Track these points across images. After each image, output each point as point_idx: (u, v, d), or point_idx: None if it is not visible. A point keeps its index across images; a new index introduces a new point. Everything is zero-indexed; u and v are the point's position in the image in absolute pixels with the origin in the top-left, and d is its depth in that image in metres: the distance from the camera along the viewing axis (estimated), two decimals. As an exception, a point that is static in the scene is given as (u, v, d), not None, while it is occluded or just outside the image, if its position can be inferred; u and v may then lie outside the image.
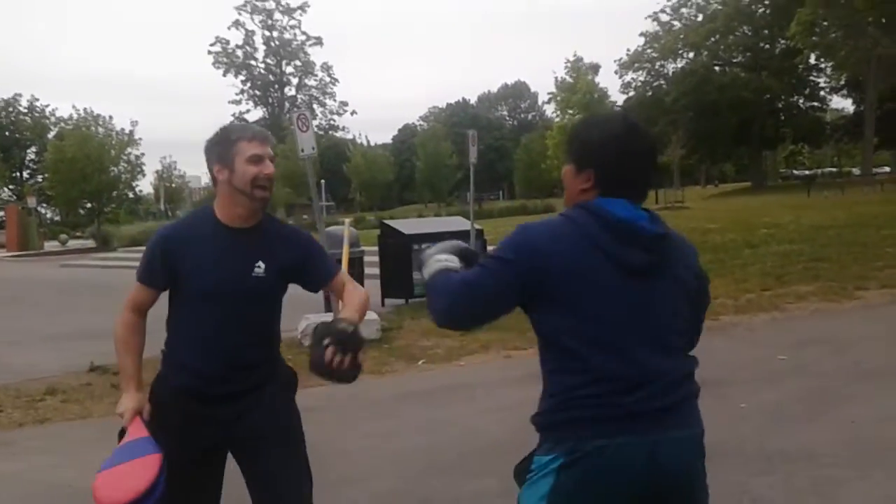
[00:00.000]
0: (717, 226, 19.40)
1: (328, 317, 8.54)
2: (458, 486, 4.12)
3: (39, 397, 6.63)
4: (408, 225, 12.06)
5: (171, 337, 2.49)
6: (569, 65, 25.07)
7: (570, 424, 1.76)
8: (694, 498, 1.84)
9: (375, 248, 11.37)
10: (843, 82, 52.48)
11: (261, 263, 2.41)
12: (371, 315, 8.75)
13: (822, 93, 57.41)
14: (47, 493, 4.40)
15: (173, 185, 51.73)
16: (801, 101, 57.50)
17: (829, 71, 51.18)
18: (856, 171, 59.83)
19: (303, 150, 8.54)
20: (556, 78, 27.08)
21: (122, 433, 2.33)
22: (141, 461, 2.20)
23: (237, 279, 2.39)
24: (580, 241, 1.79)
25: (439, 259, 1.96)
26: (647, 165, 1.94)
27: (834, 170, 72.34)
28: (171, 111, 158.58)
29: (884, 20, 35.56)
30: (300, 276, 2.54)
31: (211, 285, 2.37)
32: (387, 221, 12.18)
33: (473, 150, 10.97)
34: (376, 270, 11.02)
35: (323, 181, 38.20)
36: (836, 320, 8.17)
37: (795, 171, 77.66)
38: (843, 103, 61.54)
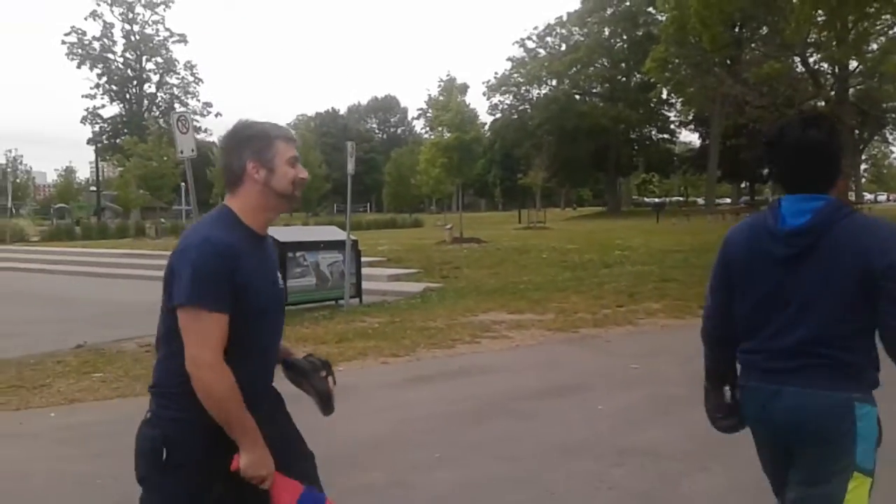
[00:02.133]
0: (575, 246, 20.48)
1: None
2: (349, 480, 4.32)
3: None
4: (283, 233, 12.06)
5: None
6: (441, 84, 25.74)
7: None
8: (807, 452, 2.21)
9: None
10: (691, 117, 56.48)
11: (277, 273, 2.31)
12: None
13: (672, 126, 61.59)
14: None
15: (18, 181, 48.42)
16: (653, 132, 61.38)
17: (679, 106, 54.91)
18: (700, 200, 64.41)
19: (181, 153, 8.52)
20: (429, 95, 27.78)
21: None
22: None
23: (274, 291, 2.24)
24: (750, 233, 2.33)
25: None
26: (797, 159, 2.22)
27: (681, 199, 77.42)
28: (17, 102, 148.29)
29: (729, 62, 38.71)
30: None
31: (264, 299, 2.16)
32: (261, 228, 12.12)
33: (351, 161, 11.17)
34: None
35: (183, 184, 36.89)
36: (681, 334, 8.95)
37: (646, 199, 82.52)
38: (691, 137, 66.24)
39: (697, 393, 6.46)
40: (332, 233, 12.42)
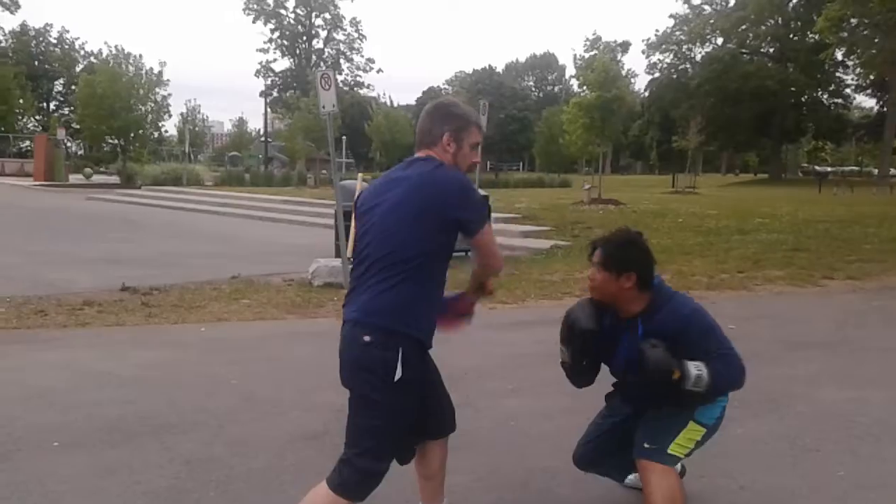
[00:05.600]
0: (716, 212, 20.08)
1: (336, 262, 9.46)
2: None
3: (79, 307, 7.60)
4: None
5: (428, 294, 2.56)
6: (587, 43, 25.60)
7: None
8: None
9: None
10: (869, 81, 52.37)
11: None
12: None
13: (847, 90, 57.37)
14: (91, 378, 5.33)
15: (196, 129, 52.39)
16: (825, 96, 57.48)
17: (856, 69, 51.06)
18: (876, 171, 59.92)
19: (323, 107, 9.36)
20: (574, 55, 27.70)
21: None
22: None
23: None
24: None
25: (693, 369, 2.87)
26: None
27: (856, 168, 72.19)
28: (198, 54, 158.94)
29: (913, 22, 35.59)
30: None
31: None
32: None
33: (483, 118, 11.73)
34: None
35: (344, 137, 38.73)
36: (793, 301, 8.98)
37: (817, 167, 77.50)
38: (869, 102, 61.43)
39: (779, 354, 6.74)
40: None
